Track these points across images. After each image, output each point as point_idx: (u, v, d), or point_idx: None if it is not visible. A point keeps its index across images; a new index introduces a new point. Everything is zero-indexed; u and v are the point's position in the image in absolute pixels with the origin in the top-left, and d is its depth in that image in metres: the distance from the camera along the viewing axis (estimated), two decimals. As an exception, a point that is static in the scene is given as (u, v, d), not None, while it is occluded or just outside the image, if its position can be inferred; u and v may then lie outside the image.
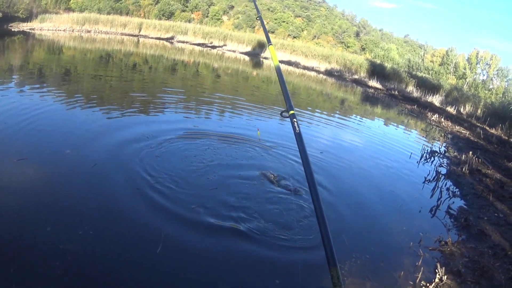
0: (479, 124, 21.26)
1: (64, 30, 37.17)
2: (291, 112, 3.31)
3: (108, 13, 54.54)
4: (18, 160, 6.23)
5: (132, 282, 4.10)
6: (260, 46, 44.97)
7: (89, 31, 39.44)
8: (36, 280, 3.86)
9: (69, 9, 52.94)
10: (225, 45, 45.98)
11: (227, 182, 6.68)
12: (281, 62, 40.35)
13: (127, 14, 63.02)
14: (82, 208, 5.23)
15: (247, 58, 41.05)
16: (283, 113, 3.39)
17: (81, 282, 3.96)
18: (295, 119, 3.23)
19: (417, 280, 4.81)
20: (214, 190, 6.24)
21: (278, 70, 3.84)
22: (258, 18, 5.10)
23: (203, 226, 5.18)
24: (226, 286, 4.33)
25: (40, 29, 35.32)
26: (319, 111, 17.32)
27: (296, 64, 40.49)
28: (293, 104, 3.36)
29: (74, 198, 5.45)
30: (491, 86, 47.11)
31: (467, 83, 46.58)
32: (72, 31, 37.86)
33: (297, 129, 3.14)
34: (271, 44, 4.22)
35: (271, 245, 5.00)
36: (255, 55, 43.77)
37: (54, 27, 36.82)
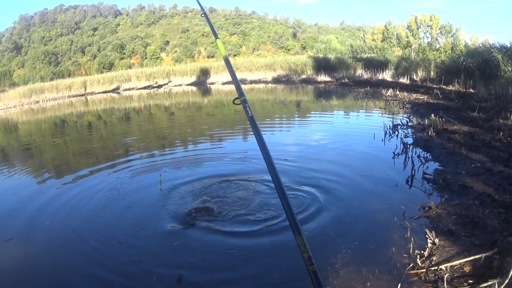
0: (435, 86, 21.69)
1: (14, 107, 36.75)
2: (242, 98, 3.55)
3: (51, 79, 54.65)
4: (5, 242, 6.22)
5: None
6: (204, 74, 45.23)
7: (37, 102, 39.05)
8: None
9: (13, 84, 52.81)
10: (170, 81, 46.00)
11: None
12: (228, 82, 40.70)
13: (69, 75, 63.12)
14: (71, 273, 5.21)
15: (194, 88, 41.19)
16: (235, 101, 3.62)
17: None
18: (247, 104, 3.49)
19: (411, 251, 4.84)
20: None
21: (226, 61, 4.10)
22: (203, 15, 5.13)
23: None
24: None
25: None
26: (278, 119, 17.45)
27: (242, 81, 40.55)
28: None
29: (63, 265, 5.46)
30: (438, 46, 48.08)
31: (414, 50, 47.48)
32: (22, 105, 37.49)
33: (250, 113, 3.40)
34: (218, 38, 4.40)
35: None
36: (201, 83, 43.97)
37: (4, 106, 36.42)
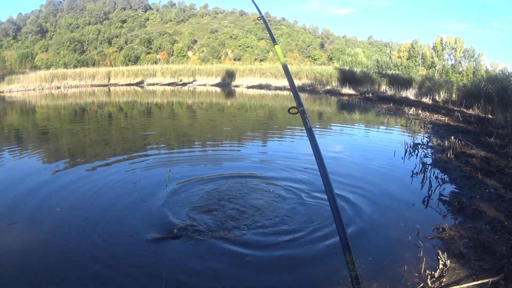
0: (456, 108, 21.56)
1: (34, 90, 36.74)
2: (301, 108, 3.43)
3: (75, 67, 54.27)
4: (8, 225, 6.21)
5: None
6: (229, 76, 45.26)
7: (58, 87, 39.14)
8: None
9: (35, 68, 52.48)
10: (194, 80, 46.26)
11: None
12: (252, 87, 40.64)
13: (93, 65, 62.88)
14: (79, 262, 5.21)
15: (218, 89, 41.27)
16: (291, 110, 3.51)
17: None
18: (306, 116, 3.37)
19: (422, 271, 4.87)
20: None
21: (285, 68, 3.96)
22: (260, 18, 5.02)
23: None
24: None
25: (9, 91, 34.97)
26: (299, 128, 17.47)
27: (267, 87, 40.78)
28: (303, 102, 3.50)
29: (69, 254, 5.44)
30: (460, 69, 47.82)
31: (437, 71, 47.23)
32: (42, 89, 37.49)
33: (308, 124, 3.29)
34: (277, 44, 4.28)
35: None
36: (226, 85, 44.04)
37: (23, 88, 36.42)
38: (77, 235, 5.99)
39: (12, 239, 5.87)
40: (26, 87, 36.77)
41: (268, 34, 4.72)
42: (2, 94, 32.99)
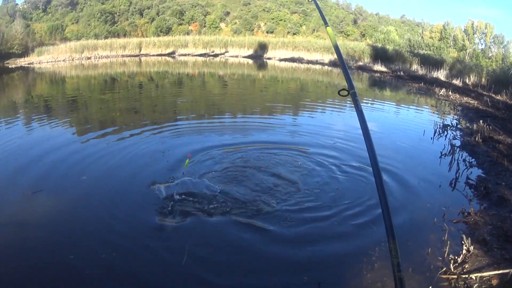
0: (485, 93, 21.07)
1: (63, 60, 36.34)
2: (352, 91, 3.36)
3: (106, 38, 53.93)
4: (33, 193, 6.29)
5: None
6: (262, 48, 44.83)
7: (89, 58, 38.74)
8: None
9: (65, 39, 52.09)
10: (226, 51, 45.81)
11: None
12: (285, 59, 40.33)
13: (124, 36, 62.54)
14: (103, 231, 5.27)
15: (250, 61, 41.01)
16: (341, 92, 3.41)
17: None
18: (356, 98, 3.31)
19: (445, 255, 4.82)
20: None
21: (336, 48, 3.87)
22: (311, 0, 5.01)
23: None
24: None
25: (39, 63, 34.58)
26: (330, 101, 17.36)
27: (299, 60, 40.37)
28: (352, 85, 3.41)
29: (93, 223, 5.49)
30: (490, 54, 46.79)
31: (468, 54, 46.25)
32: (72, 60, 37.08)
33: (359, 107, 3.22)
34: (328, 26, 4.15)
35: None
36: (258, 57, 43.65)
37: (53, 59, 35.97)
38: (100, 205, 6.01)
39: (35, 207, 5.94)
40: (56, 58, 36.38)
41: (318, 14, 4.61)
42: (32, 66, 32.84)
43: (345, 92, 3.36)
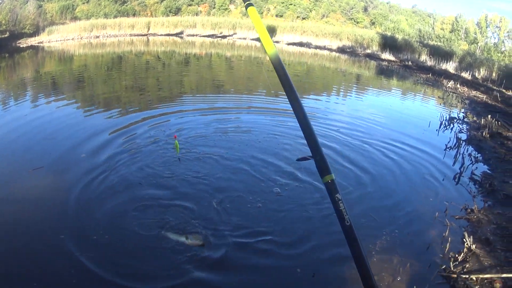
0: (495, 87, 20.79)
1: (72, 39, 36.26)
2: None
3: (115, 17, 53.88)
4: (33, 170, 6.20)
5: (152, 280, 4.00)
6: (270, 31, 44.52)
7: (97, 37, 38.62)
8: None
9: (75, 19, 52.02)
10: (235, 33, 45.53)
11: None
12: (293, 44, 40.12)
13: (133, 15, 62.48)
14: (97, 211, 5.14)
15: (258, 44, 40.72)
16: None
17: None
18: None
19: (446, 251, 4.65)
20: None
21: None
22: None
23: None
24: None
25: (49, 42, 34.37)
26: (336, 87, 17.14)
27: (308, 45, 40.05)
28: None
29: (90, 201, 5.36)
30: (503, 49, 46.38)
31: (479, 47, 45.84)
32: (81, 38, 37.00)
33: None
34: (252, 5, 3.10)
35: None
36: (266, 40, 43.37)
37: (62, 38, 35.84)
38: (99, 183, 5.90)
39: (33, 184, 5.83)
40: (65, 37, 36.27)
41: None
42: (41, 45, 32.60)
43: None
